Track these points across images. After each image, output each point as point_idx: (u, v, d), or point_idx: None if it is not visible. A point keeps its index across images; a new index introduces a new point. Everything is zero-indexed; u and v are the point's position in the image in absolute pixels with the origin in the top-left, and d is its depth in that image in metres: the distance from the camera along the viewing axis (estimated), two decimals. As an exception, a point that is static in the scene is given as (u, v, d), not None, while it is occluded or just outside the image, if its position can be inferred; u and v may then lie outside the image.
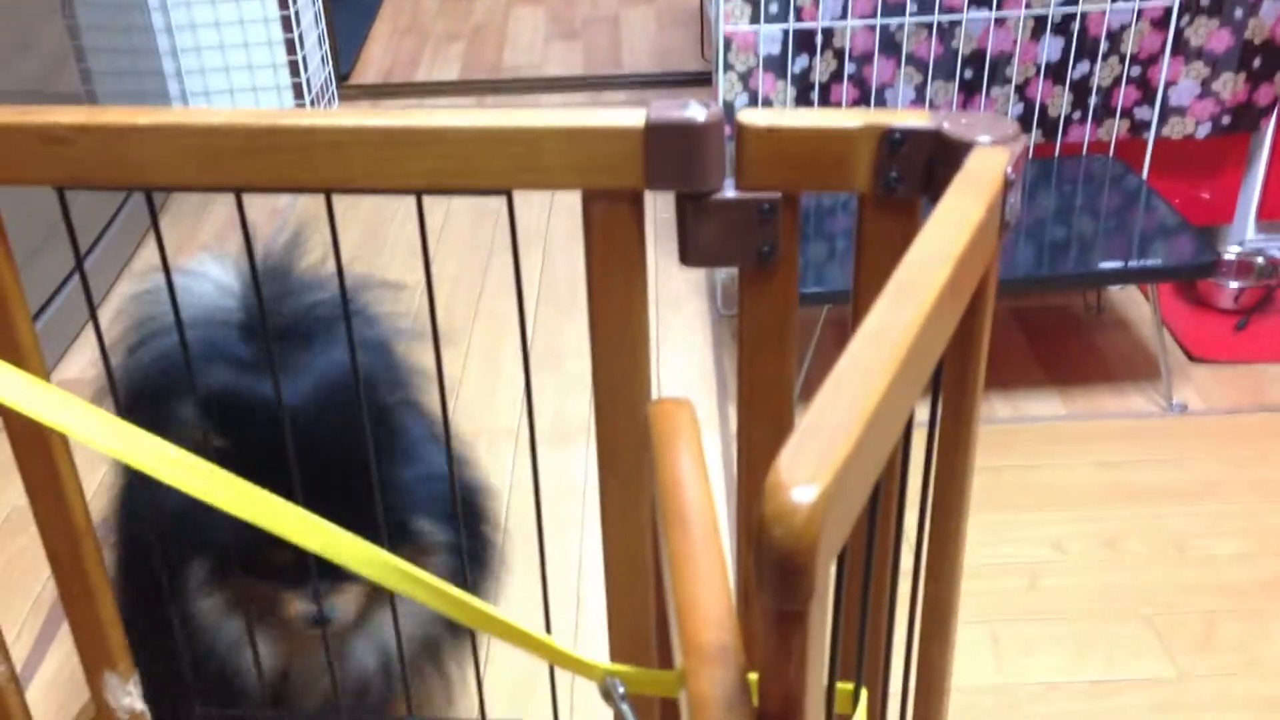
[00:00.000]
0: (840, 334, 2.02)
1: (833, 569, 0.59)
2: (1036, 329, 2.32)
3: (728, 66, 2.30)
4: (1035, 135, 2.33)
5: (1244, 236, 2.42)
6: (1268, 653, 1.59)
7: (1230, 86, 2.25)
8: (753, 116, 0.90)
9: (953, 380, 0.90)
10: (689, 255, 0.94)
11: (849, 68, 2.28)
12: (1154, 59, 2.25)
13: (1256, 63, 2.22)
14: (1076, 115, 2.31)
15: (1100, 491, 1.88)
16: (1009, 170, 0.82)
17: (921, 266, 0.70)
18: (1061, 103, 2.29)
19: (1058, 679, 1.57)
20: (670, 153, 0.90)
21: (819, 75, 2.29)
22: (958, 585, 0.98)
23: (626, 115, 0.90)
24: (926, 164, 0.89)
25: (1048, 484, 1.90)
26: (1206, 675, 1.56)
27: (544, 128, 0.90)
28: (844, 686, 0.75)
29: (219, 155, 0.92)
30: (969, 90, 2.29)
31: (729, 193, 0.91)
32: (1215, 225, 2.45)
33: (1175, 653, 1.60)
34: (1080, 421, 2.05)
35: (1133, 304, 2.37)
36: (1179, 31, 2.21)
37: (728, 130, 0.88)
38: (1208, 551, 1.77)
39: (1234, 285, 2.30)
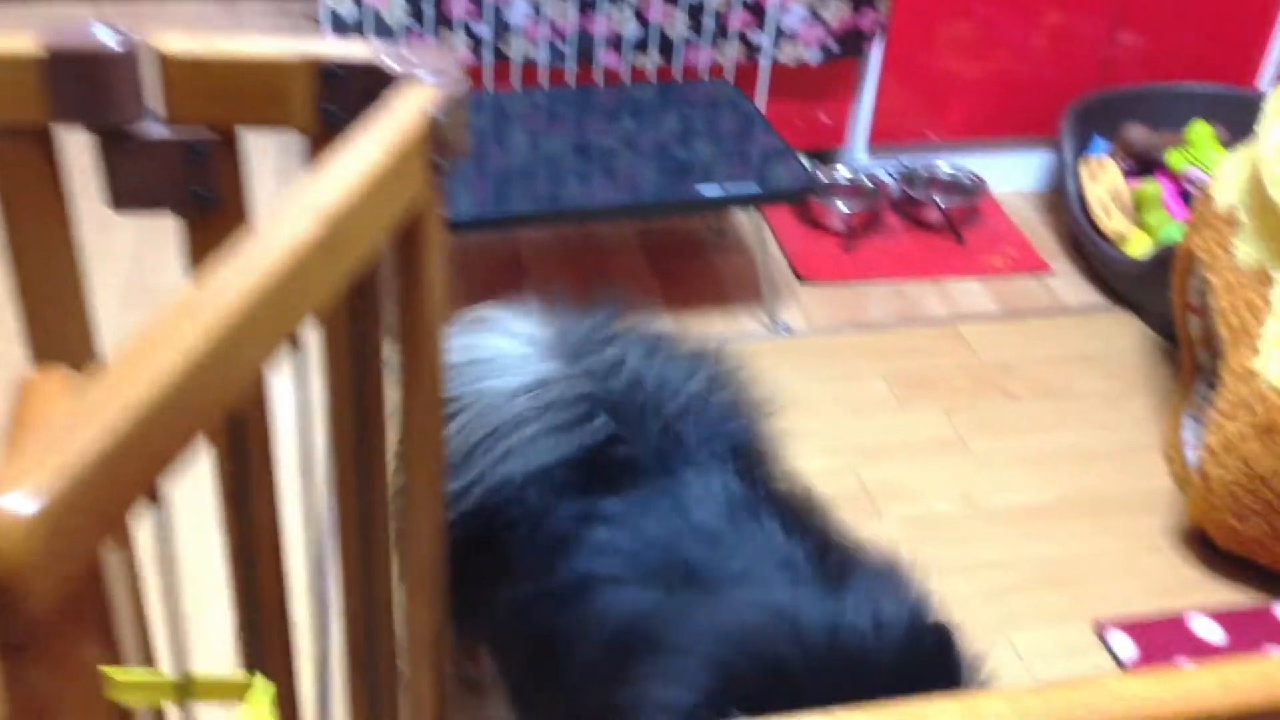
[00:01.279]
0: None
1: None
2: (659, 251, 2.33)
3: (337, -22, 2.16)
4: (655, 57, 2.32)
5: (855, 160, 2.50)
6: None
7: (836, 12, 2.30)
8: (175, 44, 0.80)
9: (405, 331, 0.85)
10: (117, 199, 0.84)
11: (464, -18, 2.19)
12: (763, -18, 2.27)
13: (858, -12, 2.28)
14: (695, 39, 2.31)
15: (701, 414, 1.91)
16: (438, 112, 0.76)
17: (283, 222, 0.64)
18: (678, 24, 2.28)
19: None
20: (76, 82, 0.80)
21: (433, -11, 2.19)
22: (440, 539, 0.94)
23: (18, 41, 0.78)
24: (368, 98, 0.82)
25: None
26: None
27: (-81, 53, 0.77)
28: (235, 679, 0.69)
29: None
30: (585, 9, 2.25)
31: (153, 130, 0.82)
32: (829, 149, 2.53)
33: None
34: (691, 344, 2.08)
35: (752, 227, 2.42)
36: (785, -45, 2.24)
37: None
38: (794, 467, 1.83)
39: (844, 208, 2.38)
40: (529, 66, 2.31)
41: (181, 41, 0.80)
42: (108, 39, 0.80)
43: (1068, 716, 0.49)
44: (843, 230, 2.38)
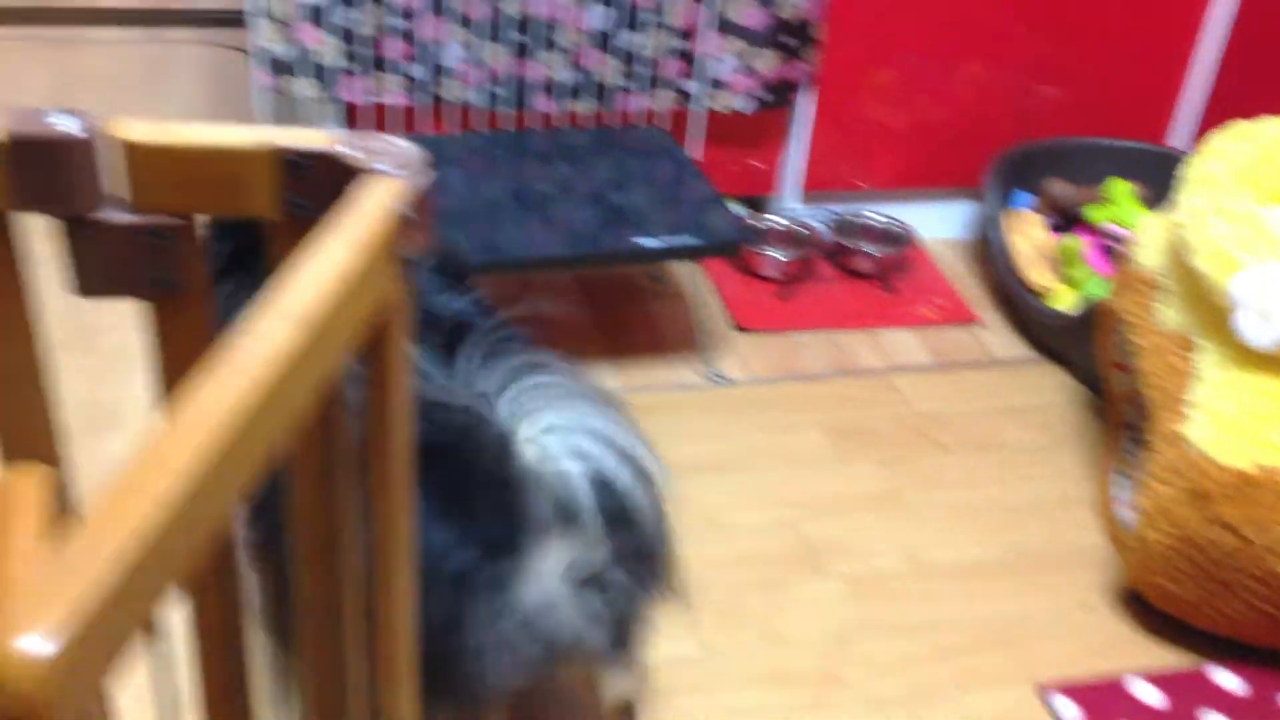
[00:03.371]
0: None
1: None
2: (599, 299, 2.33)
3: (269, 16, 2.14)
4: (590, 103, 2.33)
5: (788, 208, 2.54)
6: (783, 625, 1.67)
7: (767, 63, 2.33)
8: (137, 131, 0.79)
9: (374, 425, 0.84)
10: (81, 285, 0.83)
11: (398, 22, 2.18)
12: (696, 33, 2.29)
13: (790, 40, 2.32)
14: (630, 86, 2.32)
15: (640, 466, 1.92)
16: (406, 207, 0.76)
17: (261, 331, 0.63)
18: (611, 71, 2.30)
19: (583, 663, 1.58)
20: (36, 170, 0.78)
21: (367, 28, 2.18)
22: (408, 604, 0.93)
23: (-26, 126, 0.77)
24: (334, 190, 0.82)
25: (590, 461, 1.92)
26: (728, 651, 1.63)
27: None
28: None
29: None
30: (523, 53, 2.25)
31: (113, 216, 0.81)
32: (764, 196, 2.56)
33: (704, 630, 1.65)
34: (631, 394, 2.08)
35: (690, 275, 2.43)
36: (719, 7, 2.26)
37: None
38: (734, 522, 1.84)
39: (778, 256, 2.40)
40: (465, 110, 2.31)
41: (143, 129, 0.79)
42: (68, 125, 0.78)
43: None
44: (778, 278, 2.41)
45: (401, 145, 0.80)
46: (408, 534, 0.88)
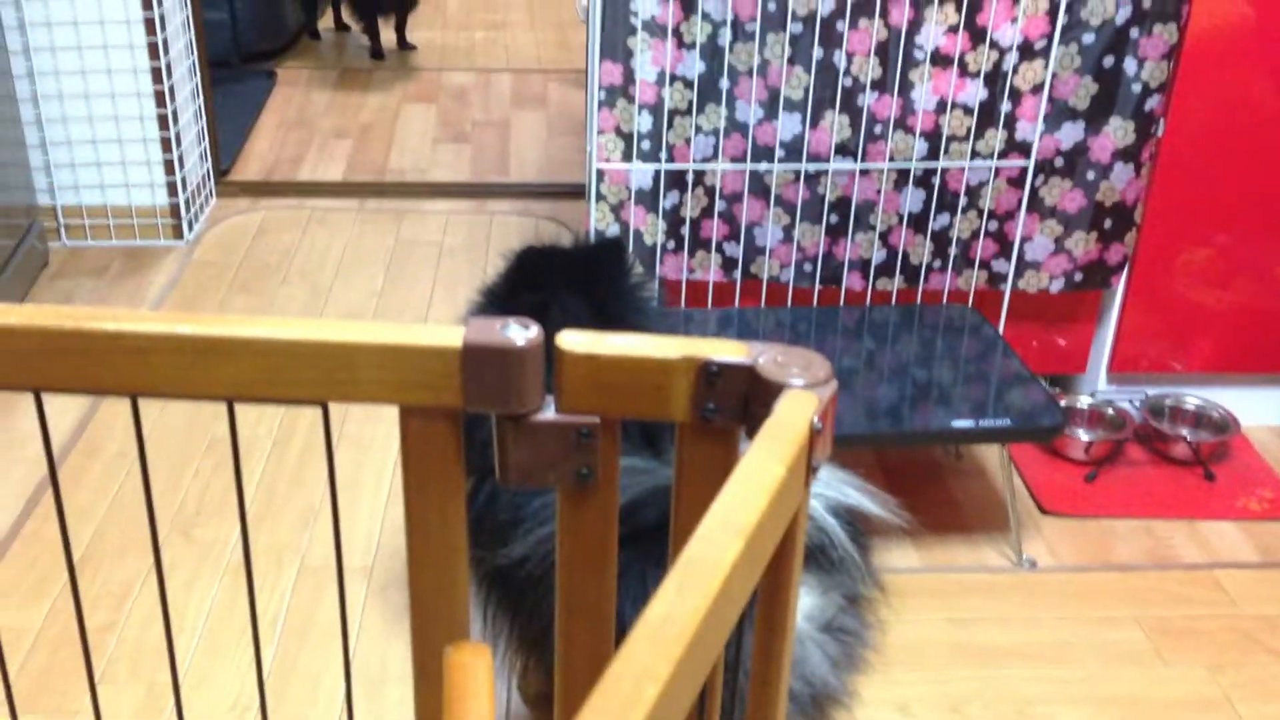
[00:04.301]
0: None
1: None
2: (897, 473, 2.34)
3: (600, 197, 2.31)
4: (898, 281, 2.38)
5: (1096, 387, 2.49)
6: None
7: (1083, 245, 2.33)
8: (572, 342, 0.89)
9: (764, 610, 0.89)
10: (507, 475, 0.92)
11: (719, 205, 2.31)
12: (1010, 215, 2.32)
13: (1107, 223, 2.31)
14: (937, 264, 2.37)
15: (949, 651, 1.89)
16: (816, 419, 0.82)
17: (713, 542, 0.70)
18: (923, 251, 2.35)
19: None
20: (488, 374, 0.89)
21: (689, 211, 2.31)
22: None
23: (444, 334, 0.88)
24: (742, 397, 0.89)
25: (898, 642, 1.91)
26: None
27: (358, 343, 0.88)
28: None
29: (16, 355, 0.88)
30: (834, 234, 2.34)
31: (547, 414, 0.90)
32: (1069, 375, 2.52)
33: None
34: (933, 574, 2.07)
35: (991, 451, 2.42)
36: (1034, 190, 2.29)
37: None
38: (1049, 717, 1.79)
39: (1085, 437, 2.36)
40: (775, 286, 2.40)
41: (580, 339, 0.89)
42: (518, 335, 0.89)
43: None
44: (1083, 459, 2.36)
45: (812, 357, 0.87)
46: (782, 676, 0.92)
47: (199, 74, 3.35)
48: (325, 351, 0.88)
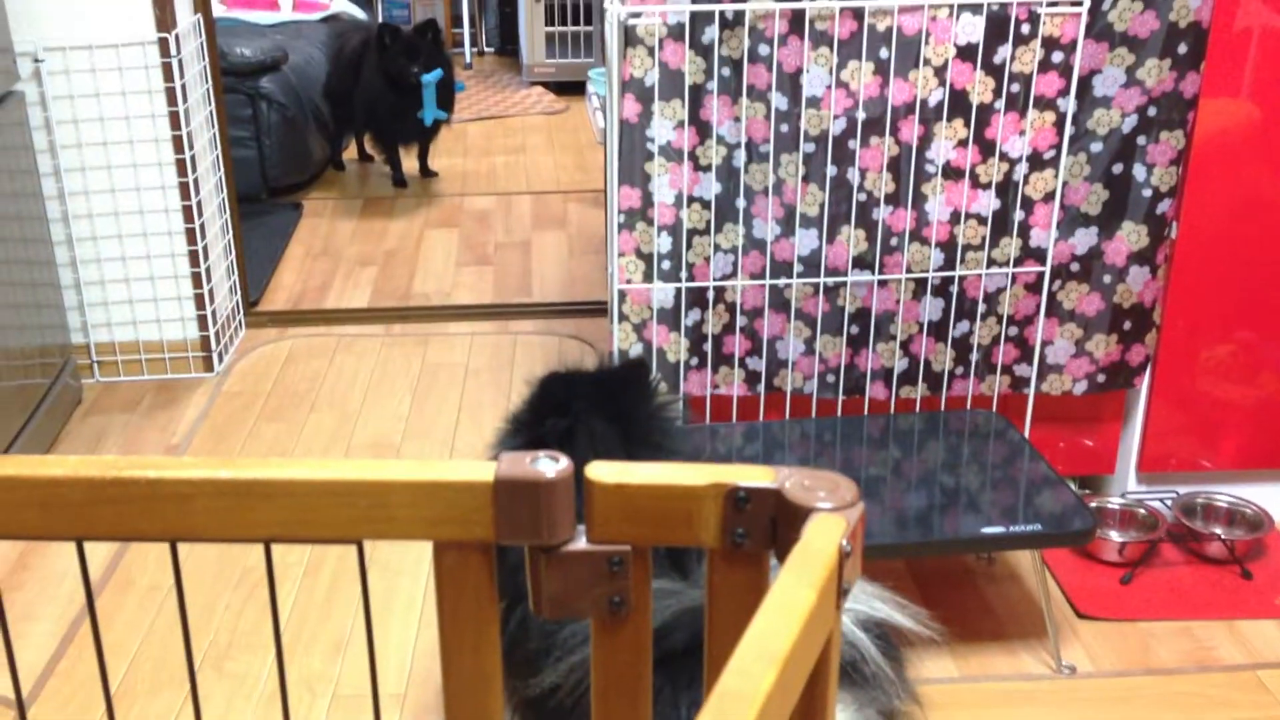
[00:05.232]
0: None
1: None
2: (929, 580, 2.33)
3: (622, 318, 2.35)
4: (921, 388, 2.39)
5: (1126, 488, 2.48)
6: None
7: (1103, 347, 2.34)
8: (600, 473, 0.91)
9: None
10: (541, 606, 0.93)
11: (740, 321, 2.34)
12: (1030, 320, 2.34)
13: (1127, 325, 2.33)
14: (959, 370, 2.38)
15: (991, 762, 1.87)
16: (845, 542, 0.83)
17: (746, 673, 0.70)
18: (944, 358, 2.37)
19: None
20: (520, 507, 0.90)
21: (711, 328, 2.35)
22: None
23: (476, 469, 0.90)
24: (771, 522, 0.90)
25: (939, 755, 1.88)
26: None
27: (392, 481, 0.90)
28: None
29: (59, 505, 0.90)
30: (855, 345, 2.36)
31: (579, 545, 0.92)
32: (1098, 475, 2.52)
33: None
34: (972, 684, 2.05)
35: (1024, 554, 2.40)
36: (1052, 295, 2.31)
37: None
38: None
39: (1118, 538, 2.34)
40: (799, 398, 2.42)
41: (609, 469, 0.91)
42: (548, 469, 0.91)
43: None
44: (1117, 561, 2.34)
45: (838, 480, 0.88)
46: None
47: (229, 210, 3.44)
48: (360, 490, 0.90)
